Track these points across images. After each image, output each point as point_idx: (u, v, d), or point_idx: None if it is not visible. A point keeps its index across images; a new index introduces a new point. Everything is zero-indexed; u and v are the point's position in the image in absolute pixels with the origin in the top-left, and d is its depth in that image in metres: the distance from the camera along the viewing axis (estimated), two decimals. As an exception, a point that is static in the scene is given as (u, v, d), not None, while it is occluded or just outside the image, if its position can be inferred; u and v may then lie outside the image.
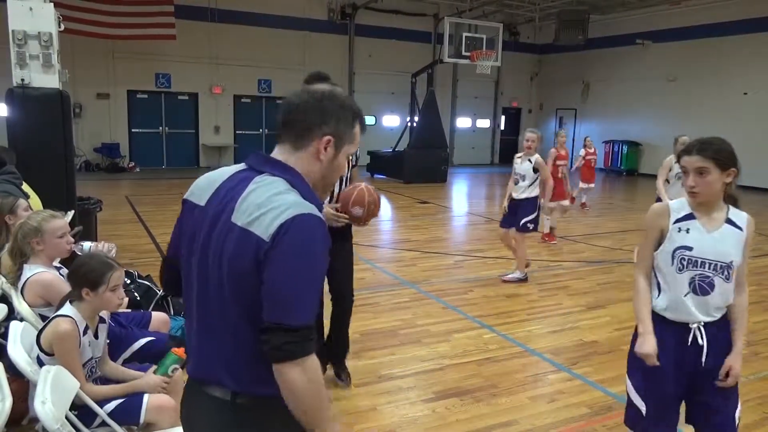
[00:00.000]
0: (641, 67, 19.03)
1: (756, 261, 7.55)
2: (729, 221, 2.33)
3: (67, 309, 2.58)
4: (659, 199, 6.29)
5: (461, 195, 15.34)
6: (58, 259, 3.26)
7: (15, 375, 2.53)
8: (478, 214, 11.32)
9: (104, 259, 2.71)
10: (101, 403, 2.52)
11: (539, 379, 4.09)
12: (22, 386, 2.62)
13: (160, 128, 17.70)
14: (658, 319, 2.40)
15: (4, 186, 4.53)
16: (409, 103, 17.88)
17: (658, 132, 18.56)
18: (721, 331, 2.37)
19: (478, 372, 4.15)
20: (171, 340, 3.24)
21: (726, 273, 2.30)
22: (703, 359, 2.34)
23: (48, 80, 5.73)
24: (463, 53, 15.48)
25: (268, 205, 1.41)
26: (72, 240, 3.24)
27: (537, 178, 6.28)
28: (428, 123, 16.37)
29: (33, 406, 2.11)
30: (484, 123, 22.90)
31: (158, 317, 3.59)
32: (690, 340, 2.34)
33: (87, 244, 4.26)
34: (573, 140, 22.24)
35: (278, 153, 1.55)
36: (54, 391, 2.14)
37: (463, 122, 22.32)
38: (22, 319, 2.84)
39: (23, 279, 3.00)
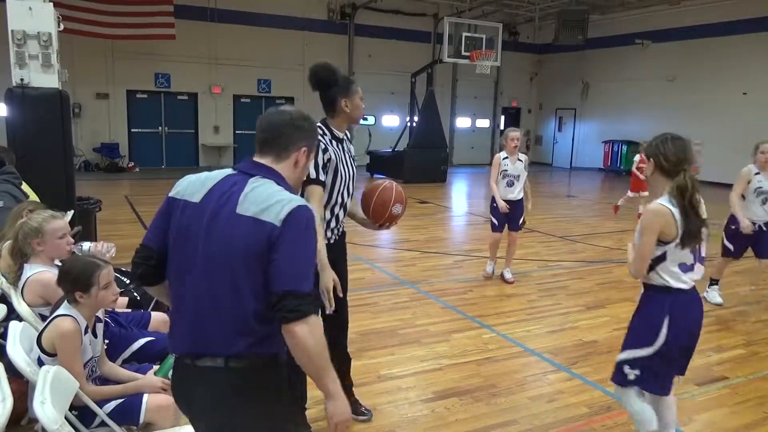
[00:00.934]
0: (641, 67, 19.04)
1: (755, 261, 7.56)
2: None
3: (67, 309, 2.58)
4: (732, 220, 5.48)
5: (461, 195, 15.35)
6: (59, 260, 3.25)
7: (14, 375, 2.53)
8: (477, 214, 11.31)
9: (89, 260, 2.71)
10: (101, 403, 2.52)
11: (538, 379, 4.09)
12: (21, 386, 2.62)
13: (160, 128, 17.70)
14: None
15: (3, 186, 4.53)
16: (409, 103, 17.89)
17: (658, 132, 18.05)
18: None
19: (478, 372, 4.15)
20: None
21: None
22: None
23: (47, 80, 5.72)
24: (463, 53, 15.48)
25: (273, 198, 1.73)
26: (72, 240, 3.24)
27: (526, 176, 6.30)
28: (428, 123, 16.38)
29: (32, 406, 2.11)
30: (483, 123, 22.90)
31: (158, 317, 3.59)
32: None
33: (86, 245, 4.25)
34: (573, 140, 22.30)
35: (262, 160, 1.88)
36: (53, 392, 2.13)
37: (462, 122, 22.32)
38: (21, 319, 2.84)
39: (23, 279, 3.00)
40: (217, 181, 1.83)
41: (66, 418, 2.20)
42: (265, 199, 1.73)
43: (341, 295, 2.96)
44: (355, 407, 3.44)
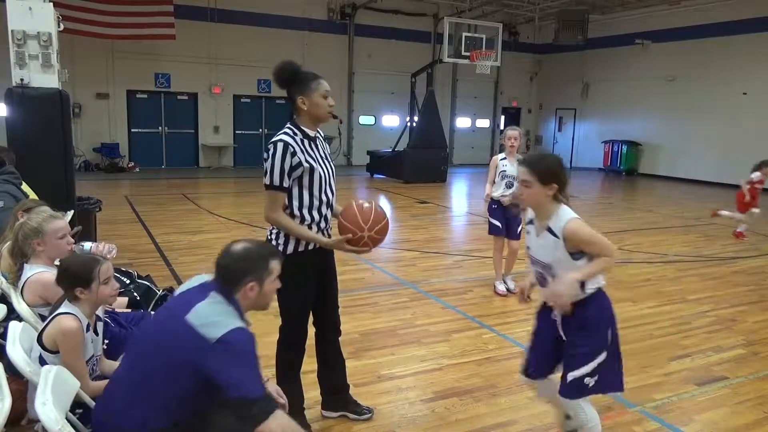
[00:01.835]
0: (641, 67, 19.04)
1: (755, 261, 7.54)
2: None
3: (69, 307, 2.59)
4: None
5: (461, 195, 15.35)
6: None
7: (14, 375, 2.52)
8: (477, 214, 11.30)
9: (87, 256, 2.73)
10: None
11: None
12: (21, 386, 2.62)
13: (160, 128, 17.70)
14: None
15: (4, 186, 4.53)
16: (409, 102, 17.88)
17: (658, 132, 18.57)
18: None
19: (478, 372, 4.15)
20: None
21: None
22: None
23: (47, 80, 5.73)
24: (463, 53, 15.46)
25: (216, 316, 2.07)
26: (72, 241, 3.24)
27: None
28: (428, 123, 16.37)
29: (32, 406, 2.11)
30: (483, 123, 22.90)
31: (158, 317, 3.58)
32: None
33: (87, 245, 4.24)
34: (573, 140, 22.30)
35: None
36: (55, 392, 2.13)
37: (462, 122, 22.33)
38: (21, 319, 2.84)
39: (23, 279, 3.00)
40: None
41: (67, 418, 2.20)
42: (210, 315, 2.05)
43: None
44: (356, 407, 3.44)
